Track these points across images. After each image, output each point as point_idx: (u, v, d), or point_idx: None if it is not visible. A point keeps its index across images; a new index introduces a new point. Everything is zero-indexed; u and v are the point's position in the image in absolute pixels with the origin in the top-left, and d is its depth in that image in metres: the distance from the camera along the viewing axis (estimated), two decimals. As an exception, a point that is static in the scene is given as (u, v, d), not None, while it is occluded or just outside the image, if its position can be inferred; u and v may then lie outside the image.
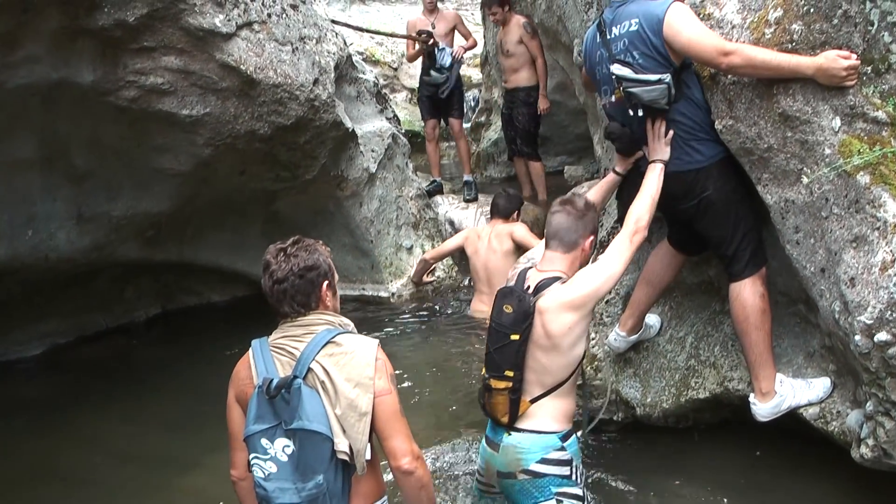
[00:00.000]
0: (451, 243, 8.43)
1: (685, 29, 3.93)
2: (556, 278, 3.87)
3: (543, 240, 4.11)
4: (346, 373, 3.09)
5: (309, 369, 3.09)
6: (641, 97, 4.07)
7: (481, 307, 7.66)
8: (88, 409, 6.42)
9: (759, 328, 4.15)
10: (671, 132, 4.10)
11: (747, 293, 4.15)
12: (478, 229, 8.34)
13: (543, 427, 3.86)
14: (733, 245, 4.17)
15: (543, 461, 3.83)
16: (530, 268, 4.04)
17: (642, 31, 4.04)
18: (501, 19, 9.70)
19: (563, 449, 3.85)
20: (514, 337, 3.80)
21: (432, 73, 9.94)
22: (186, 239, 7.98)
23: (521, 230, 7.69)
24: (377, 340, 3.21)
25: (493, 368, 3.89)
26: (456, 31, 10.45)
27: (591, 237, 4.03)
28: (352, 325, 3.29)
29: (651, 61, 4.04)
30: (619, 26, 4.16)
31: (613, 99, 4.29)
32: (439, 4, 10.74)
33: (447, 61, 9.95)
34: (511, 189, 8.72)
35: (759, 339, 4.16)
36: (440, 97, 10.08)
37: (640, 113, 4.14)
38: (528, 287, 3.89)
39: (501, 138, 11.15)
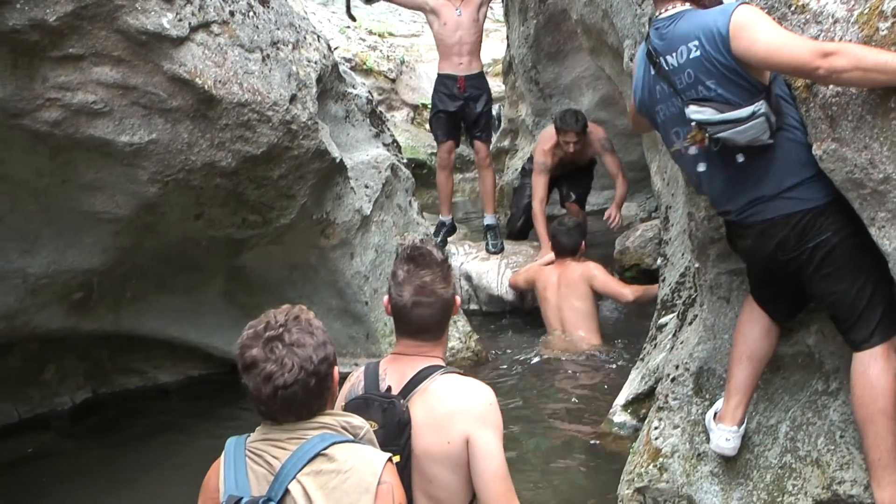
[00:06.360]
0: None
1: (761, 35, 3.97)
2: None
3: None
4: (334, 499, 2.97)
5: (287, 490, 2.99)
6: (737, 141, 4.10)
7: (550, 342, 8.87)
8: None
9: (889, 416, 4.11)
10: None
11: (877, 369, 4.12)
12: (546, 271, 9.12)
13: None
14: (859, 303, 4.16)
15: None
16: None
17: (707, 55, 4.10)
18: (579, 149, 9.89)
19: None
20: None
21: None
22: (125, 303, 7.97)
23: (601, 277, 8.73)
24: (387, 455, 3.10)
25: None
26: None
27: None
28: (362, 425, 3.18)
29: (733, 88, 4.08)
30: (674, 54, 4.25)
31: (689, 145, 4.34)
32: None
33: None
34: (568, 218, 9.36)
35: (887, 431, 4.12)
36: (464, 113, 10.11)
37: (740, 160, 4.17)
38: None
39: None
